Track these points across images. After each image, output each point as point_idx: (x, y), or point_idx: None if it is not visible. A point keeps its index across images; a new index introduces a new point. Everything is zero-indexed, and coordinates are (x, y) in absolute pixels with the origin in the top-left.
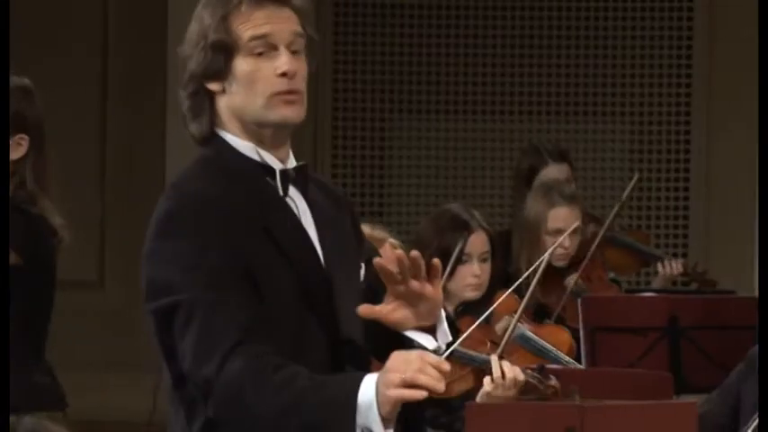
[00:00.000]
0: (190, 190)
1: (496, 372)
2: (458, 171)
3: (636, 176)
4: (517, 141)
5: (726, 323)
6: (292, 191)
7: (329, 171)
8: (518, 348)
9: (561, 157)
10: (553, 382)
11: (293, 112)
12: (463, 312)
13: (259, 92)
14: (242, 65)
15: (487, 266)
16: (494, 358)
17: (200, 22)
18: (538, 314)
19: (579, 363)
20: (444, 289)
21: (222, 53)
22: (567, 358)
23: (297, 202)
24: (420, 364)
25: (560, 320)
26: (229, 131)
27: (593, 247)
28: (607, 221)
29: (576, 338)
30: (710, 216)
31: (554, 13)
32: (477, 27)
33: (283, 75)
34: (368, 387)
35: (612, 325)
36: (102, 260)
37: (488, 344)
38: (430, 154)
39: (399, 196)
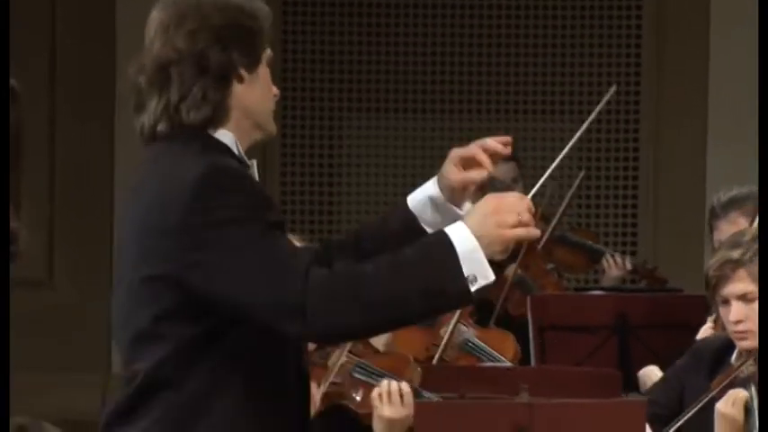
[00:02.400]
0: (213, 161)
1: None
2: (407, 169)
3: (582, 173)
4: (466, 139)
5: (674, 322)
6: None
7: (278, 169)
8: (464, 355)
9: (508, 155)
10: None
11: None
12: None
13: (269, 101)
14: (264, 71)
15: None
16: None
17: (221, 9)
18: (482, 309)
19: (528, 362)
20: None
21: (258, 42)
22: (510, 364)
23: None
24: (526, 205)
25: (504, 311)
26: (223, 127)
27: (542, 242)
28: (555, 219)
29: (522, 329)
30: (659, 214)
31: (503, 12)
32: (426, 26)
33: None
34: (462, 236)
35: (561, 323)
36: (51, 259)
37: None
38: (379, 152)
39: (349, 195)
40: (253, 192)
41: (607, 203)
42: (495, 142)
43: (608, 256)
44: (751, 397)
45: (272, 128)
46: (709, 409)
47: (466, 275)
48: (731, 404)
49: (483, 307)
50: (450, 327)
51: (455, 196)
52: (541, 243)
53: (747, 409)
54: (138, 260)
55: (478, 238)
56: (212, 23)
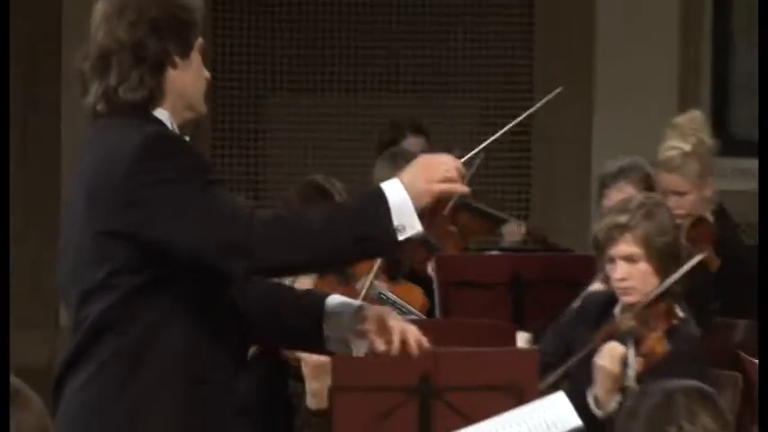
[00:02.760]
0: (155, 129)
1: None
2: (325, 142)
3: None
4: (379, 116)
5: (563, 278)
6: None
7: (209, 142)
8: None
9: (418, 130)
10: None
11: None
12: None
13: (201, 84)
14: (197, 57)
15: None
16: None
17: (162, 3)
18: (393, 267)
19: (433, 315)
20: None
21: (192, 32)
22: (419, 313)
23: None
24: (455, 164)
25: (412, 268)
26: (160, 106)
27: (447, 208)
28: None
29: (423, 284)
30: (550, 183)
31: (417, 1)
32: (342, 14)
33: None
34: (394, 189)
35: (463, 280)
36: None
37: None
38: (300, 128)
39: (273, 166)
40: (192, 154)
41: (504, 173)
42: (413, 343)
43: (507, 221)
44: (627, 351)
45: (203, 108)
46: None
47: (395, 225)
48: (608, 358)
49: (390, 263)
50: (368, 280)
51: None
52: (447, 209)
53: (624, 363)
54: (89, 220)
55: (409, 190)
56: (150, 16)
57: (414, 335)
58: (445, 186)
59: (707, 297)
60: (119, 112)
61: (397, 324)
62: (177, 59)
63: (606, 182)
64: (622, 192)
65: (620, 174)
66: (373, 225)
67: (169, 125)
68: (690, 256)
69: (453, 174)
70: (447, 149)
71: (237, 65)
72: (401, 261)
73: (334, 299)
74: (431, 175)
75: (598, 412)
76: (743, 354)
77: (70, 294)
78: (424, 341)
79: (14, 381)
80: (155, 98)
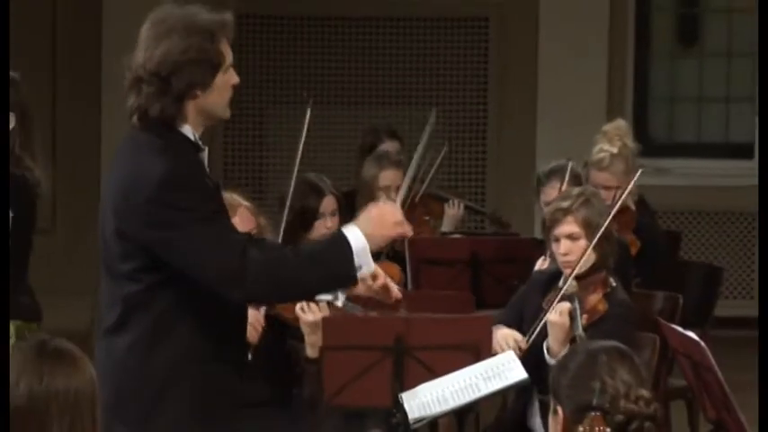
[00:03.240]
0: (168, 156)
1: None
2: (317, 147)
3: (445, 148)
4: (360, 124)
5: (513, 257)
6: None
7: (221, 147)
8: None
9: (393, 135)
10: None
11: None
12: None
13: (226, 97)
14: (221, 79)
15: (336, 219)
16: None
17: (187, 40)
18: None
19: (406, 287)
20: (303, 240)
21: (212, 69)
22: (396, 287)
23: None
24: (399, 211)
25: (392, 247)
26: (183, 122)
27: (415, 195)
28: (427, 178)
29: (403, 260)
30: (502, 177)
31: (383, 23)
32: (327, 38)
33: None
34: (356, 237)
35: (430, 259)
36: (54, 211)
37: None
38: (296, 134)
39: (275, 169)
40: (201, 187)
41: (464, 170)
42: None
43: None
44: (574, 308)
45: (226, 114)
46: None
47: (356, 265)
48: (558, 314)
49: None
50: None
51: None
52: (418, 197)
53: (572, 317)
54: (115, 225)
55: (366, 237)
56: (174, 58)
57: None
58: (395, 233)
59: (629, 273)
60: (148, 127)
61: (382, 275)
62: (198, 92)
63: (542, 181)
64: (554, 189)
65: (552, 174)
66: (339, 268)
67: (192, 137)
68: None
69: (399, 217)
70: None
71: (243, 81)
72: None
73: None
74: (383, 224)
75: (551, 360)
76: (660, 319)
77: (104, 274)
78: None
79: (70, 346)
80: (178, 120)
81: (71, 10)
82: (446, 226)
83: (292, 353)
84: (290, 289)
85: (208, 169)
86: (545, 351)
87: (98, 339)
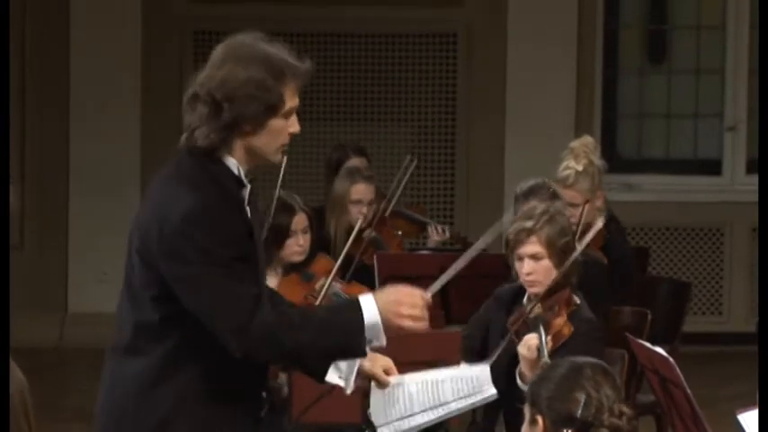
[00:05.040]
0: (203, 192)
1: None
2: (290, 163)
3: (413, 163)
4: (327, 141)
5: (480, 273)
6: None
7: None
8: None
9: (360, 152)
10: None
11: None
12: (290, 270)
13: (279, 143)
14: (277, 123)
15: (308, 237)
16: None
17: (250, 72)
18: (346, 264)
19: None
20: (276, 257)
21: (267, 110)
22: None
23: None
24: (422, 302)
25: (361, 261)
26: (230, 155)
27: (384, 210)
28: (396, 196)
29: (372, 275)
30: (470, 196)
31: (351, 40)
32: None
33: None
34: (370, 310)
35: (399, 274)
36: (23, 227)
37: (308, 299)
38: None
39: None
40: (225, 230)
41: (432, 188)
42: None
43: (433, 226)
44: (540, 338)
45: (276, 159)
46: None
47: (367, 339)
48: (526, 348)
49: (348, 261)
50: (328, 281)
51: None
52: (387, 212)
53: (538, 349)
54: (139, 251)
55: (381, 314)
56: (231, 87)
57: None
58: (408, 323)
59: (602, 290)
60: (192, 151)
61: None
62: (248, 128)
63: (519, 198)
64: None
65: (530, 192)
66: (349, 339)
67: (235, 171)
68: (595, 257)
69: (418, 313)
70: (384, 167)
71: None
72: (353, 257)
73: None
74: (401, 309)
75: (523, 387)
76: (629, 335)
77: (125, 292)
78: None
79: None
80: (221, 150)
81: (38, 29)
82: (429, 246)
83: None
84: (292, 358)
85: (248, 208)
86: (517, 377)
87: (108, 355)
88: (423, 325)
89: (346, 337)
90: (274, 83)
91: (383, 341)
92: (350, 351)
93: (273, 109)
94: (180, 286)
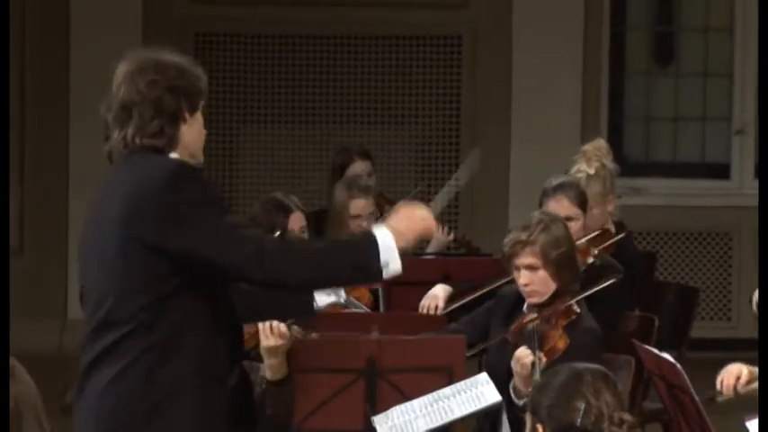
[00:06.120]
0: (179, 160)
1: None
2: (288, 165)
3: (418, 188)
4: (332, 144)
5: (484, 276)
6: None
7: None
8: (334, 306)
9: (364, 155)
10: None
11: None
12: None
13: (202, 136)
14: (200, 112)
15: (305, 237)
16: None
17: (176, 68)
18: None
19: (378, 309)
20: None
21: (198, 96)
22: (366, 308)
23: None
24: (426, 210)
25: None
26: (173, 150)
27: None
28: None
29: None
30: (474, 199)
31: (355, 42)
32: (300, 57)
33: None
34: (382, 234)
35: (403, 280)
36: (22, 232)
37: None
38: (266, 153)
39: (244, 186)
40: (213, 185)
41: (437, 190)
42: None
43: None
44: (534, 348)
45: (201, 158)
46: (507, 346)
47: (381, 260)
48: (519, 365)
49: None
50: None
51: None
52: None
53: (532, 364)
54: (122, 232)
55: (393, 233)
56: (168, 76)
57: None
58: (422, 227)
59: (616, 298)
60: (140, 152)
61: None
62: (187, 116)
63: (548, 193)
64: (559, 203)
65: (560, 188)
66: (365, 258)
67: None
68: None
69: (426, 215)
70: (388, 171)
71: (214, 100)
72: None
73: None
74: (411, 218)
75: (518, 401)
76: (636, 341)
77: (93, 297)
78: None
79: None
80: (171, 145)
81: (39, 31)
82: (432, 248)
83: (251, 372)
84: (315, 271)
85: None
86: (511, 392)
87: (81, 374)
88: (434, 223)
89: (362, 255)
90: (199, 79)
91: (398, 264)
92: (366, 268)
93: (202, 94)
94: (182, 240)
